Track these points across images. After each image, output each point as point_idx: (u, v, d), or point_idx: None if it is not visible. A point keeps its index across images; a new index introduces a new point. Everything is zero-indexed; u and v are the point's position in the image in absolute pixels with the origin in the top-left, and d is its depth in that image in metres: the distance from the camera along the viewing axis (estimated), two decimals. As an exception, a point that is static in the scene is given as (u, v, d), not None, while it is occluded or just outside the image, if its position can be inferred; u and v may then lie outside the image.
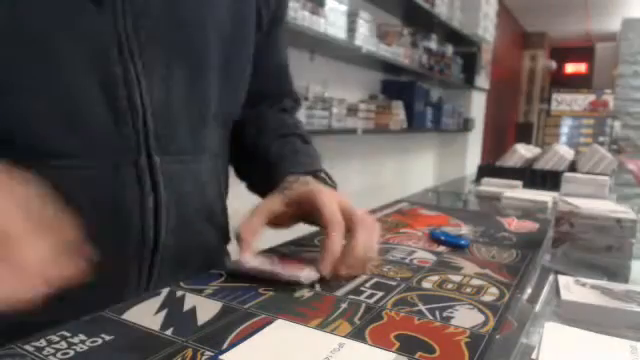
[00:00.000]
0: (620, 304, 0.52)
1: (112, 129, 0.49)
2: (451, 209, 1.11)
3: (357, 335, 0.42)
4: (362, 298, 0.51)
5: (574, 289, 0.55)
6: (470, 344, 0.41)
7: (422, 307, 0.49)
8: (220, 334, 0.41)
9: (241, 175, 0.75)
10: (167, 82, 0.52)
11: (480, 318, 0.47)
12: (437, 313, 0.48)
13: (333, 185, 0.67)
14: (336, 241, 0.53)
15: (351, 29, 2.35)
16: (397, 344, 0.41)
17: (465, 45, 4.12)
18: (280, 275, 0.52)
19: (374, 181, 3.26)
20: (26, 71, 0.44)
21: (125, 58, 0.48)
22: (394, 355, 0.39)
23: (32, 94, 0.45)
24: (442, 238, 0.75)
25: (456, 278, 0.59)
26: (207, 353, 0.38)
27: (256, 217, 0.56)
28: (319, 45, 2.27)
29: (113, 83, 0.48)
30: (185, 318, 0.44)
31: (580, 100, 6.05)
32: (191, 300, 0.48)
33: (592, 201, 0.85)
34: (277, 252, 0.63)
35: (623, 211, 0.77)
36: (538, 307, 0.54)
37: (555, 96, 6.18)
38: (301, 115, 2.08)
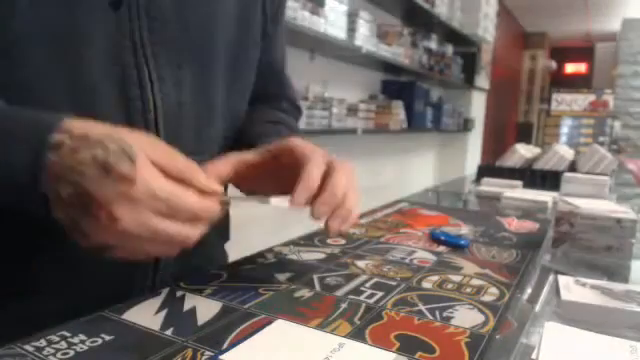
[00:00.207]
0: (620, 304, 0.52)
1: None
2: (451, 209, 1.11)
3: (357, 335, 0.42)
4: (362, 298, 0.51)
5: (574, 289, 0.55)
6: (470, 344, 0.41)
7: (422, 307, 0.49)
8: (220, 334, 0.41)
9: None
10: (178, 83, 0.53)
11: (480, 318, 0.47)
12: (437, 313, 0.48)
13: None
14: (312, 172, 0.49)
15: (351, 29, 2.34)
16: (397, 344, 0.41)
17: (465, 45, 4.12)
18: (250, 198, 0.50)
19: (374, 181, 3.26)
20: (47, 71, 0.45)
21: (139, 59, 0.49)
22: (394, 355, 0.39)
23: (52, 93, 0.46)
24: (442, 238, 0.75)
25: (456, 278, 0.59)
26: (207, 353, 0.38)
27: (223, 162, 0.52)
28: (319, 45, 2.27)
29: (127, 84, 0.49)
30: (185, 318, 0.44)
31: (580, 100, 6.04)
32: (191, 300, 0.48)
33: (592, 201, 0.85)
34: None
35: (623, 211, 0.77)
36: (538, 307, 0.54)
37: (555, 96, 6.18)
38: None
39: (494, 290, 0.55)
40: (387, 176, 3.46)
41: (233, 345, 0.39)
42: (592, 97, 6.00)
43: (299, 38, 2.05)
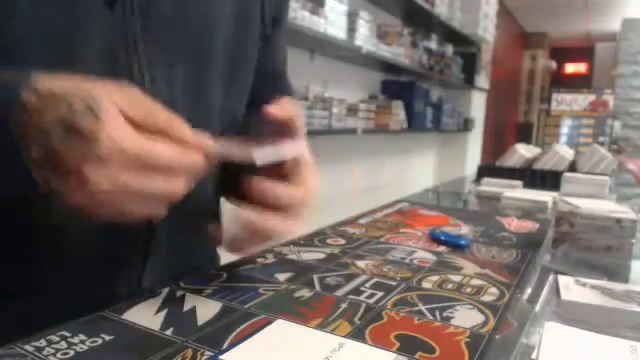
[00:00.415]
0: (620, 304, 0.52)
1: None
2: (451, 209, 1.11)
3: (357, 335, 0.42)
4: (362, 298, 0.51)
5: (574, 289, 0.55)
6: (470, 344, 0.41)
7: (422, 307, 0.49)
8: (220, 334, 0.41)
9: None
10: (172, 82, 0.53)
11: (480, 318, 0.47)
12: (437, 313, 0.48)
13: None
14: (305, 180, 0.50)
15: (351, 29, 2.34)
16: (397, 344, 0.41)
17: (465, 45, 4.12)
18: (235, 151, 0.44)
19: (374, 181, 3.26)
20: (47, 71, 0.45)
21: (131, 58, 0.49)
22: (394, 355, 0.39)
23: None
24: (442, 238, 0.75)
25: (456, 278, 0.59)
26: (207, 353, 0.38)
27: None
28: (319, 45, 2.27)
29: (120, 82, 0.49)
30: (185, 318, 0.44)
31: (580, 100, 6.05)
32: (191, 300, 0.48)
33: (592, 201, 0.85)
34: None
35: (623, 211, 0.77)
36: (538, 307, 0.54)
37: (555, 96, 6.18)
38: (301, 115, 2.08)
39: (494, 290, 0.55)
40: (387, 176, 3.46)
41: (233, 345, 0.39)
42: (592, 97, 6.01)
43: (299, 38, 2.05)
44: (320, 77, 2.51)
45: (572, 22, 6.74)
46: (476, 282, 0.58)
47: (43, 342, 0.39)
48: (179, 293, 0.50)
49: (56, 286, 0.49)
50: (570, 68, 8.34)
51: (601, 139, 5.70)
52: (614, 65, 6.15)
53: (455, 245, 0.73)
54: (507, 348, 0.43)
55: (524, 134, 7.07)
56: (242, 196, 0.49)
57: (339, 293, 0.52)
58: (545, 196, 1.21)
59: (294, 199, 0.48)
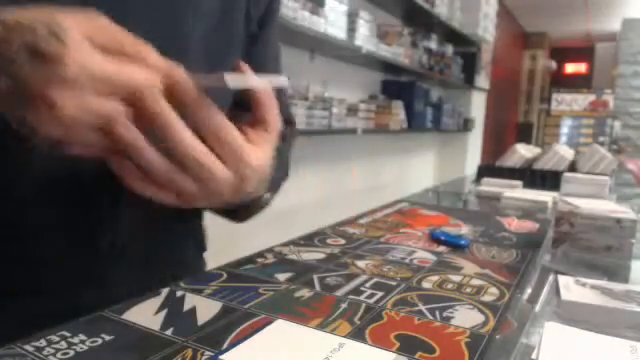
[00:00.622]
0: (620, 304, 0.52)
1: None
2: (451, 209, 1.11)
3: (357, 335, 0.42)
4: (362, 298, 0.51)
5: (574, 289, 0.55)
6: (470, 344, 0.41)
7: (422, 307, 0.49)
8: (220, 334, 0.41)
9: None
10: None
11: (480, 318, 0.47)
12: (437, 313, 0.48)
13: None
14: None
15: (351, 29, 2.34)
16: (397, 344, 0.41)
17: (465, 45, 4.12)
18: (206, 79, 0.39)
19: (374, 181, 3.26)
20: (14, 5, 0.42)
21: None
22: (394, 355, 0.39)
23: None
24: (442, 238, 0.75)
25: (456, 278, 0.59)
26: (207, 353, 0.38)
27: None
28: (319, 45, 2.27)
29: None
30: (185, 318, 0.44)
31: (580, 100, 6.05)
32: (191, 300, 0.48)
33: (592, 201, 0.85)
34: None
35: (623, 211, 0.77)
36: (538, 307, 0.54)
37: (555, 96, 6.18)
38: (301, 115, 2.08)
39: (494, 290, 0.55)
40: (387, 176, 3.46)
41: (233, 345, 0.39)
42: (592, 97, 6.01)
43: (299, 38, 2.05)
44: (320, 77, 2.51)
45: (572, 22, 6.74)
46: (476, 282, 0.58)
47: (43, 342, 0.39)
48: (179, 293, 0.50)
49: (39, 286, 0.49)
50: (570, 68, 8.34)
51: (601, 139, 5.70)
52: (614, 65, 6.15)
53: (455, 245, 0.73)
54: (507, 348, 0.43)
55: (524, 134, 7.07)
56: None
57: (339, 293, 0.52)
58: (545, 196, 1.21)
59: (248, 154, 0.41)
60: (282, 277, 0.56)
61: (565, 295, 0.53)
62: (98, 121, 0.35)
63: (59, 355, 0.37)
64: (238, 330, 0.42)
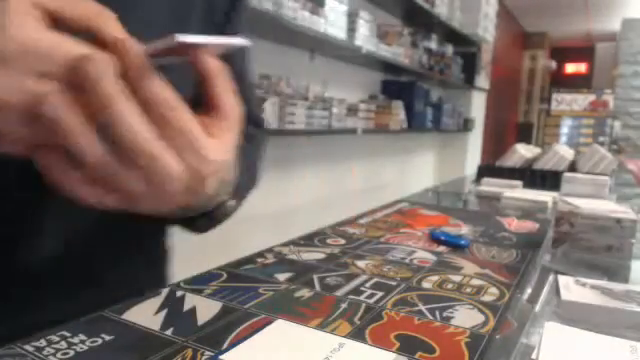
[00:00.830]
0: (620, 304, 0.52)
1: None
2: (451, 209, 1.11)
3: (357, 335, 0.42)
4: (362, 298, 0.51)
5: (574, 289, 0.55)
6: (470, 344, 0.41)
7: (422, 307, 0.49)
8: (220, 334, 0.41)
9: None
10: None
11: (480, 318, 0.47)
12: (437, 313, 0.48)
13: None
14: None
15: (351, 29, 2.34)
16: (397, 344, 0.41)
17: (465, 45, 4.12)
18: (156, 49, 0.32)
19: (374, 181, 3.26)
20: None
21: None
22: (394, 355, 0.39)
23: None
24: (442, 238, 0.75)
25: (456, 278, 0.59)
26: (207, 353, 0.38)
27: None
28: (319, 45, 2.27)
29: None
30: (185, 318, 0.44)
31: (580, 100, 6.05)
32: (191, 300, 0.48)
33: (592, 201, 0.85)
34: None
35: (623, 211, 0.77)
36: (538, 307, 0.54)
37: (555, 96, 6.18)
38: (301, 115, 2.08)
39: (494, 290, 0.55)
40: (387, 176, 3.46)
41: (233, 345, 0.39)
42: (592, 97, 6.01)
43: (299, 38, 2.05)
44: (320, 77, 2.51)
45: (572, 22, 6.74)
46: (476, 282, 0.58)
47: (43, 342, 0.39)
48: (179, 293, 0.50)
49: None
50: (570, 68, 8.34)
51: (601, 139, 5.70)
52: (614, 65, 6.15)
53: (455, 245, 0.73)
54: (507, 348, 0.43)
55: (524, 134, 7.07)
56: None
57: (339, 293, 0.52)
58: (545, 196, 1.21)
59: (206, 147, 0.33)
60: (282, 277, 0.56)
61: (565, 295, 0.53)
62: (28, 104, 0.29)
63: (59, 355, 0.37)
64: (238, 330, 0.42)
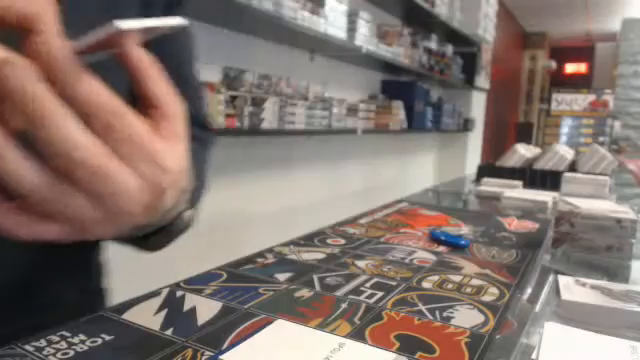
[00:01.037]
0: (620, 304, 0.52)
1: None
2: (451, 209, 1.11)
3: (357, 335, 0.42)
4: (362, 298, 0.51)
5: (574, 289, 0.55)
6: (470, 344, 0.41)
7: (422, 307, 0.49)
8: (220, 334, 0.41)
9: None
10: None
11: (480, 318, 0.47)
12: (437, 313, 0.48)
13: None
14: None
15: (351, 29, 2.34)
16: (397, 344, 0.41)
17: (465, 45, 4.12)
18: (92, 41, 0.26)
19: (374, 181, 3.26)
20: None
21: None
22: (394, 355, 0.39)
23: None
24: (442, 238, 0.75)
25: (456, 278, 0.59)
26: (207, 353, 0.38)
27: None
28: (319, 45, 2.27)
29: None
30: (185, 318, 0.44)
31: (580, 100, 6.05)
32: (191, 300, 0.48)
33: (592, 201, 0.85)
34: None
35: (623, 211, 0.77)
36: (538, 307, 0.54)
37: (555, 96, 6.19)
38: (301, 115, 2.08)
39: (494, 290, 0.55)
40: (387, 176, 3.46)
41: (233, 345, 0.39)
42: (592, 97, 6.02)
43: (299, 38, 2.05)
44: (320, 77, 2.50)
45: (572, 22, 6.74)
46: (476, 282, 0.58)
47: (43, 342, 0.39)
48: (179, 293, 0.50)
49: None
50: (570, 68, 8.33)
51: (601, 139, 5.70)
52: (614, 65, 6.15)
53: (455, 245, 0.73)
54: (507, 348, 0.43)
55: (524, 134, 7.07)
56: None
57: (339, 293, 0.52)
58: (545, 196, 1.21)
59: (162, 155, 0.28)
60: (282, 277, 0.56)
61: (565, 295, 0.53)
62: None
63: (59, 355, 0.37)
64: (238, 330, 0.42)
